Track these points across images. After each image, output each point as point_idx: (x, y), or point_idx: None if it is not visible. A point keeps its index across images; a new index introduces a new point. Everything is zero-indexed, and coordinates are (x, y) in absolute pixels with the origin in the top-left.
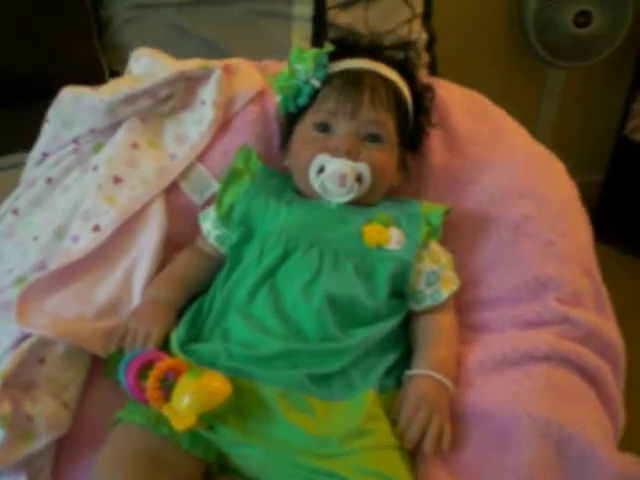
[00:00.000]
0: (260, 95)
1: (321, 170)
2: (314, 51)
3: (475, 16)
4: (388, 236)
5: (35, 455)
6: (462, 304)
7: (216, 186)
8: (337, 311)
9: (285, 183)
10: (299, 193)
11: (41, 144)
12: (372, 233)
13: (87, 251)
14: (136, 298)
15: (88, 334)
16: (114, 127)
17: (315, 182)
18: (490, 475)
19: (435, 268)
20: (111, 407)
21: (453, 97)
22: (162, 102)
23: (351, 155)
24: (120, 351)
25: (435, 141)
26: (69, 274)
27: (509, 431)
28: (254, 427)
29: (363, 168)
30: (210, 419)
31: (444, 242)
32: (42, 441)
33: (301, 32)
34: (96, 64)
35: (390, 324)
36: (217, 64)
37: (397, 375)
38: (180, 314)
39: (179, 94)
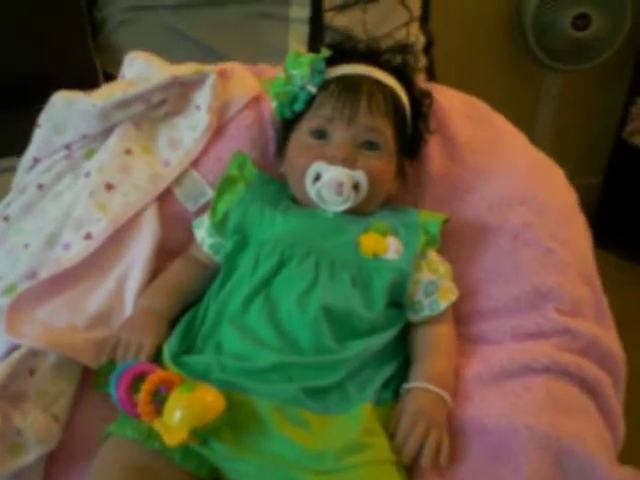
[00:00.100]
0: (255, 100)
1: (317, 178)
2: (310, 56)
3: (473, 19)
4: (385, 245)
5: (25, 468)
6: (460, 315)
7: (210, 193)
8: (333, 322)
9: (281, 191)
10: (295, 201)
11: (32, 149)
12: (369, 242)
13: (78, 259)
14: (128, 308)
15: (79, 345)
16: (107, 133)
17: (311, 190)
18: None
19: (433, 278)
20: (103, 419)
21: (452, 103)
22: (155, 107)
23: (348, 163)
24: (111, 362)
25: (433, 148)
26: (60, 283)
27: (507, 444)
28: (248, 442)
29: (360, 176)
30: (203, 434)
31: (442, 251)
32: (32, 455)
33: (298, 34)
34: (90, 66)
35: (387, 335)
36: (212, 69)
37: (394, 387)
38: (173, 324)
39: (173, 99)
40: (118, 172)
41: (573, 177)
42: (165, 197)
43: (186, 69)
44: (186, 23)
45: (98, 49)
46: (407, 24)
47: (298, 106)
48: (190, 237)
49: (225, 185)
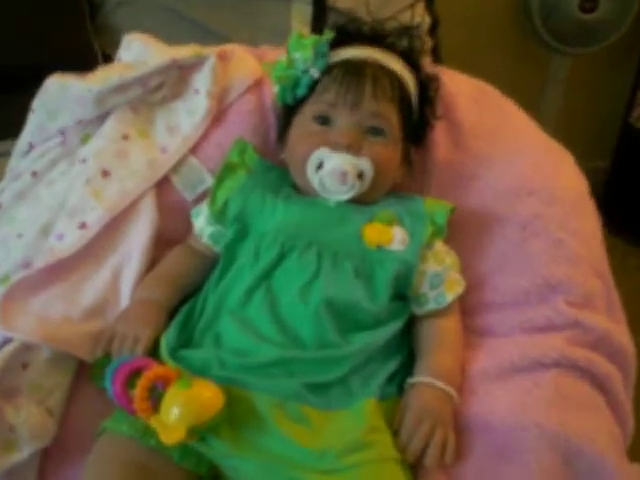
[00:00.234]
0: (257, 84)
1: (320, 166)
2: (313, 38)
3: (479, 1)
4: (391, 235)
5: (19, 465)
6: (466, 306)
7: (209, 180)
8: (336, 315)
9: (282, 178)
10: (296, 188)
11: (26, 134)
12: (373, 233)
13: (73, 250)
14: (124, 299)
15: (74, 338)
16: (102, 117)
17: (314, 178)
18: None
19: (439, 270)
20: (99, 412)
21: (460, 87)
22: (153, 91)
23: (352, 150)
24: (107, 355)
25: (439, 134)
26: (54, 274)
27: (513, 442)
28: (247, 438)
29: (365, 164)
30: (201, 431)
31: (447, 240)
32: (25, 452)
33: (300, 15)
34: (88, 47)
35: (392, 328)
36: (211, 51)
37: (399, 382)
38: (171, 315)
39: (171, 82)
40: (115, 158)
41: (580, 161)
42: (162, 185)
43: (185, 52)
44: (184, 3)
45: (96, 30)
46: (412, 5)
47: (301, 91)
48: (188, 226)
49: (225, 172)
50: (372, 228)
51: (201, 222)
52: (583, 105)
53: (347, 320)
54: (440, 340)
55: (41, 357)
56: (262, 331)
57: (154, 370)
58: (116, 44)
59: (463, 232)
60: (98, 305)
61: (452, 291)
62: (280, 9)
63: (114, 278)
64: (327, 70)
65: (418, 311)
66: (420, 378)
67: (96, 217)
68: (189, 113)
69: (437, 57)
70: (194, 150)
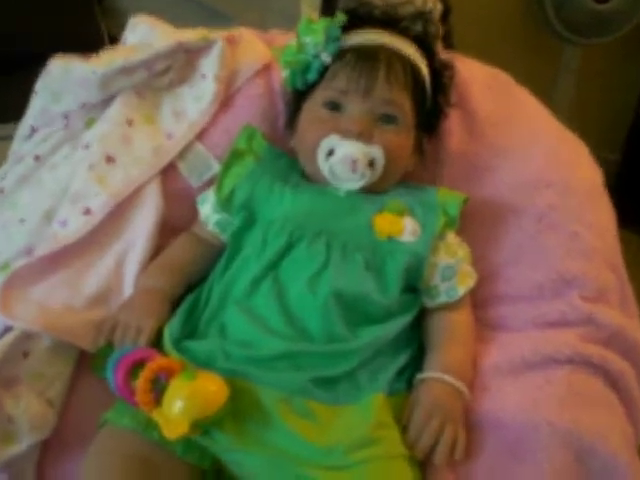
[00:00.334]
0: (266, 69)
1: (330, 153)
2: (324, 22)
3: None
4: (402, 226)
5: (18, 457)
6: (478, 299)
7: (216, 167)
8: (344, 308)
9: (291, 165)
10: (306, 177)
11: (29, 117)
12: (384, 224)
13: (77, 236)
14: (128, 287)
15: (76, 327)
16: (107, 101)
17: (324, 166)
18: None
19: (451, 262)
20: (100, 402)
21: (473, 74)
22: (159, 75)
23: (363, 137)
24: (109, 345)
25: (453, 122)
26: (56, 261)
27: (525, 440)
28: (251, 432)
29: (376, 152)
30: (205, 425)
31: (459, 231)
32: (23, 444)
33: None
34: (96, 29)
35: (402, 322)
36: (219, 35)
37: (408, 377)
38: (175, 305)
39: (177, 67)
40: (120, 143)
41: (592, 152)
42: (168, 172)
43: (192, 35)
44: None
45: (104, 12)
46: None
47: (311, 76)
48: (194, 213)
49: (233, 159)
50: (383, 218)
51: (207, 209)
52: (596, 96)
53: (356, 313)
54: (451, 334)
55: (42, 345)
56: (269, 323)
57: (157, 361)
58: (123, 26)
59: (476, 222)
60: (101, 293)
61: (464, 284)
62: None
63: (118, 266)
64: (339, 55)
65: (429, 304)
66: (430, 373)
67: (100, 203)
68: (196, 98)
69: (449, 44)
70: (201, 136)
